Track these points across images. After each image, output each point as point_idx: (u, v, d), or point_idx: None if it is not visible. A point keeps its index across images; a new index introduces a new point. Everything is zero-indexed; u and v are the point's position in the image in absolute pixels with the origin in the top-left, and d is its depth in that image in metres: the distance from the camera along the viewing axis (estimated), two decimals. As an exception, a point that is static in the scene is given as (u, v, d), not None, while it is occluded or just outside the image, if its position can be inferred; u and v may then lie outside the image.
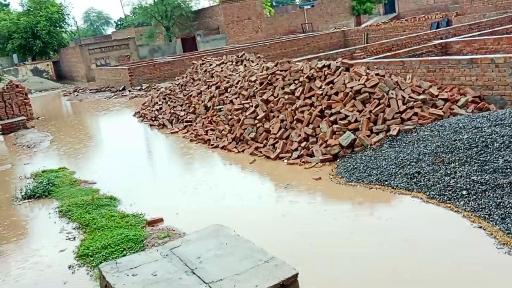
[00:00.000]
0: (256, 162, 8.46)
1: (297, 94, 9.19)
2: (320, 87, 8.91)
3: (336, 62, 9.37)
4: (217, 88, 12.53)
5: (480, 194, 5.44)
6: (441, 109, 8.18)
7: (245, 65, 14.52)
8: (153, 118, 13.89)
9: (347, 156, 7.56)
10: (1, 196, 8.45)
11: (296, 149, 8.25)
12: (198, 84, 14.05)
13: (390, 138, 7.56)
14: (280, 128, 8.86)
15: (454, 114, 8.03)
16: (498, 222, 4.90)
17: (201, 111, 12.12)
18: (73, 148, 12.13)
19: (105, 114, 17.75)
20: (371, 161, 7.05)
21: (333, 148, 7.74)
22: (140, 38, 38.90)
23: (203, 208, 6.71)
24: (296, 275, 3.61)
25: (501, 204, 5.15)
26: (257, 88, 10.39)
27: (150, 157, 10.99)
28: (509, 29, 15.29)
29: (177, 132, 12.00)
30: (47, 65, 36.08)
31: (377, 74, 8.76)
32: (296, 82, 9.50)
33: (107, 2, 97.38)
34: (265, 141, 9.02)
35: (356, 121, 7.97)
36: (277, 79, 10.05)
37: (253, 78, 10.98)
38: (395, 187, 6.24)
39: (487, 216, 5.06)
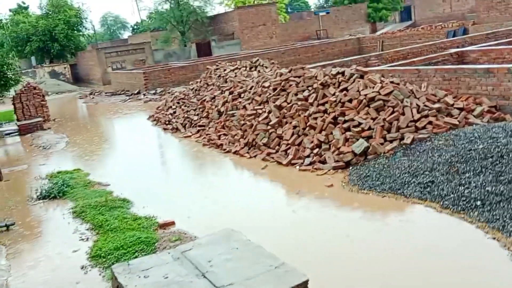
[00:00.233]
0: (268, 168, 8.47)
1: (310, 100, 9.19)
2: (333, 94, 8.90)
3: (351, 69, 9.36)
4: (230, 93, 12.59)
5: (494, 205, 5.37)
6: (456, 118, 8.11)
7: (259, 71, 14.57)
8: (167, 122, 14.00)
9: (359, 164, 7.53)
10: (17, 196, 8.58)
11: (308, 156, 8.25)
12: (211, 89, 14.14)
13: (404, 146, 7.51)
14: (292, 134, 8.87)
15: (470, 123, 7.96)
16: (512, 233, 4.84)
17: (214, 116, 12.18)
18: (88, 150, 12.27)
19: (119, 117, 17.93)
20: (384, 169, 7.01)
21: (345, 156, 7.71)
22: (156, 43, 39.27)
23: (214, 212, 6.74)
24: (306, 282, 3.60)
25: (516, 215, 5.08)
26: (270, 94, 10.42)
27: (163, 160, 11.07)
28: (526, 38, 15.11)
29: (190, 136, 12.07)
30: (64, 67, 36.65)
31: (391, 82, 8.73)
32: (310, 88, 9.50)
33: (124, 7, 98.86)
34: (277, 147, 9.03)
35: (369, 128, 7.94)
36: (290, 85, 10.07)
37: (266, 84, 11.01)
38: (408, 196, 6.19)
39: (501, 227, 5.00)
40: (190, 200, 7.42)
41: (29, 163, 11.38)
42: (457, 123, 7.91)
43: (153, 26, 46.44)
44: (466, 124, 7.95)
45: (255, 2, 44.18)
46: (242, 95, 12.08)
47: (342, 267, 4.82)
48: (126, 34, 74.40)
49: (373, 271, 4.64)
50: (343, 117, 8.34)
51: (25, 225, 7.07)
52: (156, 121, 14.84)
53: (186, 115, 13.52)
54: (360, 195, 6.61)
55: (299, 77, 10.09)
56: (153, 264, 4.05)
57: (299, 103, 9.32)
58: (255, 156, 9.20)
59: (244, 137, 9.98)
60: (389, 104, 8.17)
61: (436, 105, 8.29)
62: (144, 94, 22.84)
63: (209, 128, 11.89)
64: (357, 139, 7.81)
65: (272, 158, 8.80)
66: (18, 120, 16.86)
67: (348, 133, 8.02)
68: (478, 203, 5.50)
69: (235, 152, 9.70)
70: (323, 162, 7.96)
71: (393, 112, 8.04)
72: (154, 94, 22.45)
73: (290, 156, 8.42)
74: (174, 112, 14.35)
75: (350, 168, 7.54)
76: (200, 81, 15.32)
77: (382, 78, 8.92)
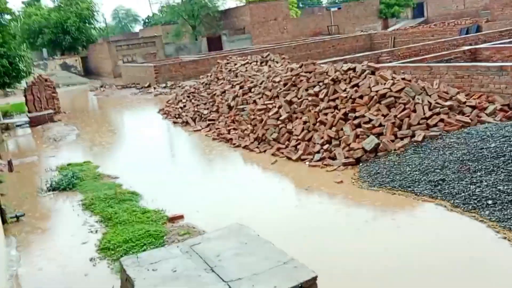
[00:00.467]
0: (278, 163, 8.45)
1: (321, 96, 9.14)
2: (344, 90, 8.84)
3: (362, 65, 9.28)
4: (241, 87, 12.56)
5: (506, 204, 5.31)
6: (468, 116, 8.02)
7: (269, 66, 14.53)
8: (177, 116, 14.02)
9: (370, 161, 7.48)
10: (27, 188, 8.65)
11: (318, 152, 8.21)
12: (222, 83, 14.12)
13: (414, 144, 7.45)
14: (302, 130, 8.83)
15: (482, 122, 7.86)
16: (524, 233, 4.78)
17: (224, 110, 12.18)
18: (98, 142, 12.34)
19: (130, 110, 17.99)
20: (395, 166, 6.96)
21: (356, 152, 7.67)
22: (167, 36, 39.30)
23: (223, 206, 6.74)
24: (315, 278, 3.59)
25: (528, 215, 5.02)
26: (281, 89, 10.38)
27: (172, 154, 11.09)
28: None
29: (200, 130, 12.08)
30: (76, 60, 36.84)
31: (403, 79, 8.65)
32: (321, 84, 9.45)
33: (136, 0, 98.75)
34: (287, 142, 9.00)
35: (380, 125, 7.88)
36: (301, 80, 10.02)
37: (277, 79, 10.97)
38: (418, 193, 6.14)
39: (512, 227, 4.94)
40: (199, 194, 7.43)
41: (40, 155, 11.47)
42: (469, 121, 7.82)
43: (164, 19, 46.45)
44: (478, 122, 7.86)
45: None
46: (252, 90, 12.05)
47: (350, 264, 4.79)
48: (137, 28, 74.54)
49: (381, 269, 4.62)
50: (353, 113, 8.28)
51: (35, 217, 7.13)
52: (166, 114, 14.87)
53: (196, 109, 13.53)
54: (370, 192, 6.56)
55: (310, 72, 10.03)
56: (162, 258, 4.06)
57: (310, 98, 9.28)
58: (264, 151, 9.18)
59: (254, 131, 9.96)
60: (400, 101, 8.10)
61: (448, 103, 8.21)
62: (154, 88, 22.89)
63: (219, 122, 11.89)
64: (368, 136, 7.76)
65: (282, 153, 8.77)
66: (29, 112, 16.99)
67: (358, 130, 7.96)
68: (490, 202, 5.44)
69: (244, 147, 9.69)
70: (333, 158, 7.92)
71: (404, 109, 7.97)
72: (165, 87, 22.50)
73: (300, 152, 8.39)
74: (184, 106, 14.37)
75: (360, 164, 7.50)
76: (211, 75, 15.31)
77: (394, 75, 8.84)
